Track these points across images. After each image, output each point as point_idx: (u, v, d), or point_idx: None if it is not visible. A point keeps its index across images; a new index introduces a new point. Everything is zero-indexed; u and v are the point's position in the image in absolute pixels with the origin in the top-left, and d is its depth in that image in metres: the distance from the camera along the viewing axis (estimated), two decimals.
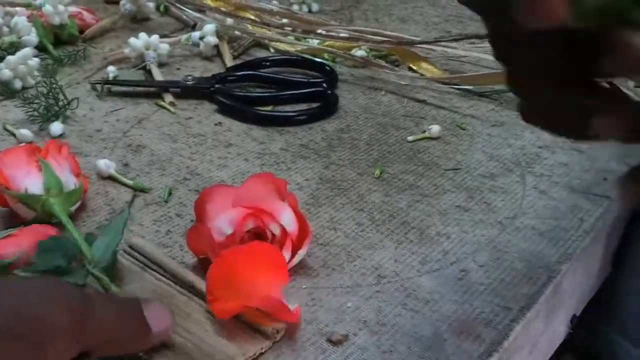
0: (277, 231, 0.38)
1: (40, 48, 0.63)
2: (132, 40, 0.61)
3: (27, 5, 0.64)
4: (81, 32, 0.67)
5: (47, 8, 0.63)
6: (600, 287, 0.52)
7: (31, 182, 0.39)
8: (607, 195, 0.46)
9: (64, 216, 0.38)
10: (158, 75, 0.60)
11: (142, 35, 0.62)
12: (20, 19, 0.62)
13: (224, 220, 0.37)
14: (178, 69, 0.63)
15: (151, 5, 0.72)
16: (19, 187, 0.39)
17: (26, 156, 0.40)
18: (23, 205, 0.39)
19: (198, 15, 0.69)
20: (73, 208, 0.41)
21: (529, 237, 0.42)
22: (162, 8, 0.73)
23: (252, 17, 0.67)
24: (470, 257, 0.40)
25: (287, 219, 0.38)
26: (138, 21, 0.73)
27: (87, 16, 0.69)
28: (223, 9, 0.67)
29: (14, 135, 0.51)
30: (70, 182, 0.41)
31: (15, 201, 0.40)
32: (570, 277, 0.42)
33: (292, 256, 0.38)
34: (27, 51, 0.58)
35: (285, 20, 0.68)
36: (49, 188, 0.39)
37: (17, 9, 0.64)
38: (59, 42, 0.66)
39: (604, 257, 0.49)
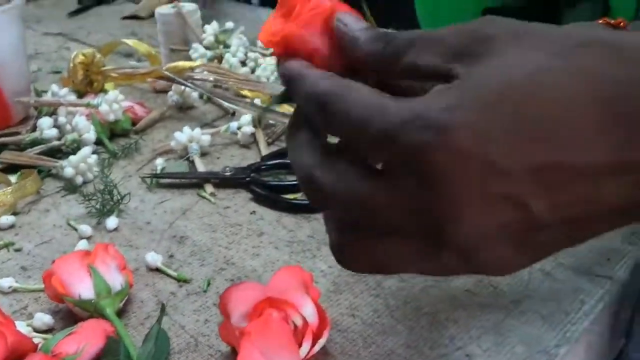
0: (299, 322, 0.43)
1: (98, 142, 0.71)
2: (177, 134, 0.68)
3: (87, 105, 0.73)
4: (133, 124, 0.75)
5: (104, 107, 0.71)
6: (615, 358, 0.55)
7: (84, 288, 0.46)
8: (609, 276, 0.50)
9: (115, 319, 0.45)
10: (200, 165, 0.67)
11: (186, 129, 0.69)
12: (81, 119, 0.70)
13: (238, 316, 0.42)
14: (218, 157, 0.70)
15: (195, 95, 0.80)
16: (74, 292, 0.46)
17: (79, 262, 0.47)
18: (78, 308, 0.46)
19: (235, 106, 0.75)
20: (122, 303, 0.47)
21: (531, 321, 0.46)
22: (204, 97, 0.81)
23: (286, 107, 0.73)
24: (475, 341, 0.45)
25: (309, 311, 0.43)
26: (184, 110, 0.80)
27: (139, 109, 0.77)
28: (258, 100, 0.74)
29: (75, 230, 0.58)
30: (117, 281, 0.47)
31: (72, 304, 0.46)
32: (571, 359, 0.45)
33: (313, 345, 0.43)
34: (87, 150, 0.65)
35: None
36: (99, 292, 0.45)
37: (78, 108, 0.73)
38: (114, 135, 0.74)
39: (610, 334, 0.52)
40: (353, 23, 0.33)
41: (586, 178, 0.26)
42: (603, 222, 0.28)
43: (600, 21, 0.42)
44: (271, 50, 0.95)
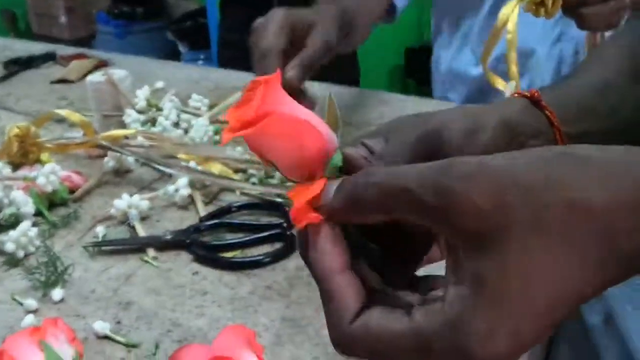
0: None
1: (36, 213, 0.73)
2: (117, 201, 0.71)
3: (24, 179, 0.74)
4: (71, 192, 0.77)
5: (41, 180, 0.73)
6: None
7: None
8: None
9: None
10: (141, 230, 0.70)
11: (125, 196, 0.71)
12: (18, 193, 0.71)
13: None
14: (158, 220, 0.72)
15: (131, 159, 0.82)
16: None
17: (29, 339, 0.49)
18: None
19: (171, 171, 0.78)
20: None
21: None
22: (140, 161, 0.83)
23: (220, 167, 0.77)
24: None
25: None
26: (120, 174, 0.83)
27: (76, 178, 0.79)
28: (193, 162, 0.77)
29: (21, 304, 0.59)
30: (68, 354, 0.49)
31: None
32: None
33: None
34: (26, 224, 0.67)
35: (248, 168, 0.78)
36: None
37: (15, 182, 0.74)
38: (52, 204, 0.75)
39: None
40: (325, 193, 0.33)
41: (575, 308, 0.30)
42: None
43: (517, 94, 0.47)
44: (204, 105, 0.98)
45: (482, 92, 1.12)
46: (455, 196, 0.28)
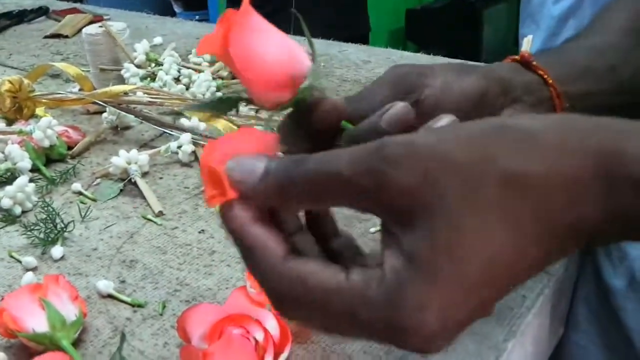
0: (260, 337, 0.44)
1: (33, 169, 0.69)
2: (115, 159, 0.68)
3: (19, 133, 0.71)
4: (69, 148, 0.74)
5: (37, 134, 0.70)
6: (556, 347, 0.58)
7: (36, 322, 0.45)
8: (546, 270, 0.53)
9: (72, 351, 0.44)
10: (144, 186, 0.67)
11: (123, 152, 0.68)
12: (14, 147, 0.68)
13: (198, 338, 0.43)
14: (161, 178, 0.69)
15: (131, 115, 0.79)
16: (27, 326, 0.45)
17: (29, 296, 0.46)
18: (33, 342, 0.45)
19: (171, 131, 0.75)
20: (77, 334, 0.47)
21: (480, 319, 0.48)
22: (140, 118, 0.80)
23: (224, 123, 0.74)
24: None
25: (272, 325, 0.44)
26: (120, 130, 0.80)
27: (73, 133, 0.76)
28: (196, 118, 0.74)
29: (19, 262, 0.57)
30: (70, 312, 0.47)
31: (26, 339, 0.45)
32: (519, 350, 0.48)
33: (275, 359, 0.44)
34: (23, 179, 0.64)
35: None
36: (53, 325, 0.45)
37: (10, 136, 0.71)
38: (50, 160, 0.72)
39: (552, 323, 0.55)
40: (243, 169, 0.30)
41: (520, 283, 0.29)
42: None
43: (509, 59, 0.46)
44: (205, 61, 0.95)
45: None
46: (386, 176, 0.27)
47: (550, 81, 0.44)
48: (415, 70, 0.44)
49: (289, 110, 0.36)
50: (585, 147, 0.28)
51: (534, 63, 0.45)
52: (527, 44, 0.73)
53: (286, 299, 0.30)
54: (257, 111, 0.72)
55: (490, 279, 0.28)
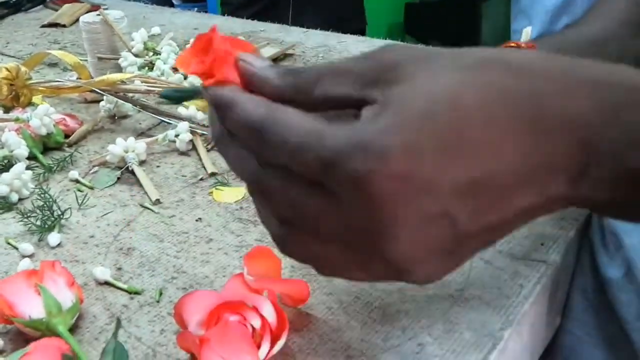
0: (257, 324, 0.44)
1: (30, 157, 0.69)
2: (111, 147, 0.67)
3: (16, 120, 0.71)
4: (66, 136, 0.74)
5: (34, 121, 0.69)
6: (553, 337, 0.58)
7: (33, 307, 0.45)
8: (544, 260, 0.53)
9: (69, 337, 0.44)
10: (141, 174, 0.66)
11: (120, 140, 0.68)
12: (10, 135, 0.68)
13: (195, 324, 0.43)
14: (158, 166, 0.69)
15: (128, 103, 0.79)
16: (23, 312, 0.45)
17: (25, 282, 0.46)
18: (30, 328, 0.45)
19: (168, 120, 0.75)
20: (73, 320, 0.47)
21: (476, 307, 0.48)
22: (137, 107, 0.80)
23: None
24: (426, 330, 0.47)
25: (269, 311, 0.44)
26: (117, 119, 0.79)
27: (70, 121, 0.75)
28: (194, 107, 0.74)
29: (16, 248, 0.56)
30: (67, 298, 0.46)
31: (22, 325, 0.45)
32: (516, 339, 0.48)
33: (272, 346, 0.44)
34: (20, 166, 0.64)
35: None
36: (50, 311, 0.45)
37: (6, 124, 0.71)
38: (47, 148, 0.72)
39: (549, 313, 0.55)
40: (257, 61, 0.33)
41: (500, 187, 0.28)
42: (514, 222, 0.30)
43: (513, 44, 0.46)
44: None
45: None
46: (385, 53, 0.31)
47: None
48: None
49: None
50: (582, 60, 0.29)
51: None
52: (526, 36, 0.73)
53: (263, 137, 0.30)
54: None
55: (469, 146, 0.27)
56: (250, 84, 0.33)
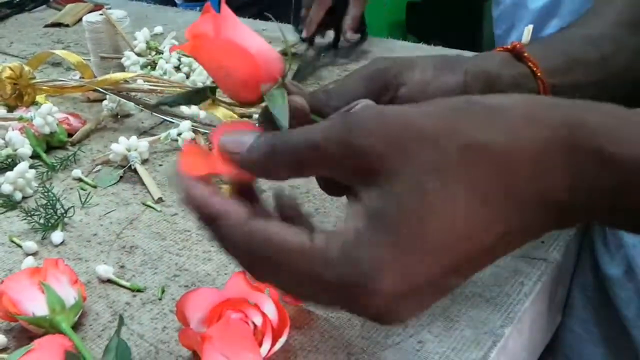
0: (259, 322, 0.44)
1: (34, 156, 0.70)
2: (114, 145, 0.68)
3: (19, 119, 0.71)
4: (70, 135, 0.74)
5: (38, 120, 0.70)
6: (553, 335, 0.58)
7: (36, 305, 0.45)
8: (544, 258, 0.53)
9: (72, 334, 0.45)
10: (143, 172, 0.67)
11: (122, 139, 0.68)
12: (14, 134, 0.68)
13: (197, 321, 0.43)
14: (160, 165, 0.70)
15: (131, 102, 0.79)
16: (27, 310, 0.45)
17: (28, 279, 0.47)
18: (33, 325, 0.45)
19: (171, 119, 0.75)
20: (76, 317, 0.47)
21: (477, 305, 0.49)
22: (140, 106, 0.80)
23: (224, 111, 0.74)
24: (426, 328, 0.47)
25: (270, 309, 0.45)
26: (120, 118, 0.80)
27: (73, 120, 0.76)
28: (196, 106, 0.74)
29: (20, 246, 0.57)
30: (70, 296, 0.47)
31: (26, 322, 0.46)
32: (516, 337, 0.48)
33: (273, 344, 0.44)
34: (23, 165, 0.64)
35: (253, 109, 0.75)
36: (53, 308, 0.45)
37: (10, 123, 0.71)
38: (50, 147, 0.72)
39: (549, 311, 0.55)
40: (239, 144, 0.32)
41: (481, 259, 0.30)
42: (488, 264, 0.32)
43: (500, 49, 0.46)
44: None
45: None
46: (355, 144, 0.28)
47: (539, 74, 0.44)
48: (395, 66, 0.44)
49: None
50: (550, 118, 0.29)
51: (526, 54, 0.45)
52: (527, 35, 0.73)
53: (252, 257, 0.31)
54: None
55: (451, 246, 0.28)
56: (240, 169, 0.33)
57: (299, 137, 0.31)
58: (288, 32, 1.04)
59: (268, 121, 0.36)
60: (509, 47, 0.46)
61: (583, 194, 0.28)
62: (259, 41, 0.36)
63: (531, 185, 0.28)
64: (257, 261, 0.31)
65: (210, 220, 0.32)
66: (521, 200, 0.28)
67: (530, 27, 0.75)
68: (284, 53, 0.40)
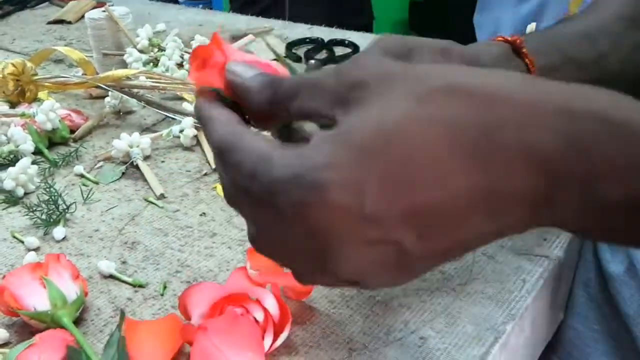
0: (260, 317, 0.44)
1: (36, 152, 0.70)
2: (116, 142, 0.68)
3: (21, 115, 0.71)
4: (72, 132, 0.74)
5: (40, 117, 0.70)
6: (555, 332, 0.58)
7: (38, 300, 0.45)
8: (546, 255, 0.53)
9: (73, 329, 0.45)
10: (145, 169, 0.67)
11: (124, 135, 0.68)
12: (16, 130, 0.68)
13: (198, 316, 0.43)
14: (162, 161, 0.70)
15: (133, 99, 0.79)
16: (28, 305, 0.45)
17: (30, 275, 0.47)
18: (35, 320, 0.45)
19: (174, 116, 0.75)
20: (78, 312, 0.47)
21: (479, 301, 0.49)
22: (142, 103, 0.80)
23: None
24: (428, 324, 0.47)
25: (271, 304, 0.45)
26: (122, 115, 0.80)
27: (76, 117, 0.76)
28: None
29: (22, 242, 0.57)
30: (72, 291, 0.47)
31: (27, 317, 0.46)
32: (518, 334, 0.48)
33: (275, 339, 0.44)
34: (26, 161, 0.64)
35: None
36: (55, 303, 0.45)
37: (12, 119, 0.71)
38: (52, 144, 0.72)
39: (551, 308, 0.55)
40: (243, 72, 0.35)
41: (445, 216, 0.28)
42: (469, 245, 0.30)
43: (500, 38, 0.46)
44: None
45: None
46: (353, 74, 0.31)
47: (532, 71, 0.44)
48: (392, 51, 0.42)
49: None
50: (548, 85, 0.28)
51: (524, 50, 0.44)
52: (530, 31, 0.73)
53: (221, 154, 0.32)
54: None
55: (413, 179, 0.27)
56: (235, 95, 0.35)
57: (301, 76, 0.34)
58: (288, 29, 1.04)
59: (283, 136, 0.36)
60: (509, 38, 0.45)
61: (582, 157, 0.27)
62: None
63: (516, 134, 0.27)
64: (224, 156, 0.32)
65: (202, 121, 0.34)
66: (503, 145, 0.27)
67: (533, 25, 0.75)
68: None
